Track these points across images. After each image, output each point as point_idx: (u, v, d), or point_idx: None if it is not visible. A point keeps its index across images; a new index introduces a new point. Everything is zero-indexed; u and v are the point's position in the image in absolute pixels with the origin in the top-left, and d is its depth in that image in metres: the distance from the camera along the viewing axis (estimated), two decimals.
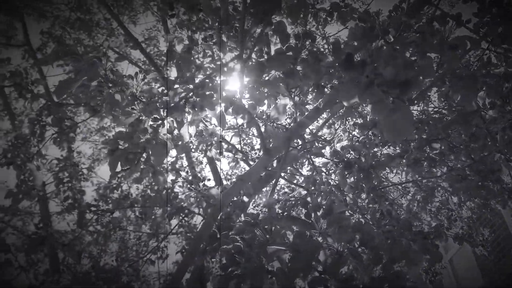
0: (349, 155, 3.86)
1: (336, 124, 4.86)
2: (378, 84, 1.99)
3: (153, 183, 6.57)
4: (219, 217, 4.42)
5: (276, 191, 6.40)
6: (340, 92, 2.16)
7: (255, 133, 6.54)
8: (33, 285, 6.01)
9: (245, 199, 7.54)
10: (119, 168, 3.08)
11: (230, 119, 6.50)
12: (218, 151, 6.08)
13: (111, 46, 7.80)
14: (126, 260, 5.32)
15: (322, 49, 5.05)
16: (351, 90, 2.10)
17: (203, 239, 5.13)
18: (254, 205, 8.13)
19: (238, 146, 5.67)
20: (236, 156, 7.98)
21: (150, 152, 3.05)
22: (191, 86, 3.11)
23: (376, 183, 3.85)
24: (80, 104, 5.22)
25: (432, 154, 4.52)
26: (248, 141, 6.35)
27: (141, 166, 3.24)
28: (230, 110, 2.88)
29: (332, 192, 3.92)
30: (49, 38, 9.21)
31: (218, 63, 3.50)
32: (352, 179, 3.83)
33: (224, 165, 8.27)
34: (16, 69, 5.00)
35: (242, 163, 7.92)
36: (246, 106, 2.91)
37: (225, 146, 6.97)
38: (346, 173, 3.86)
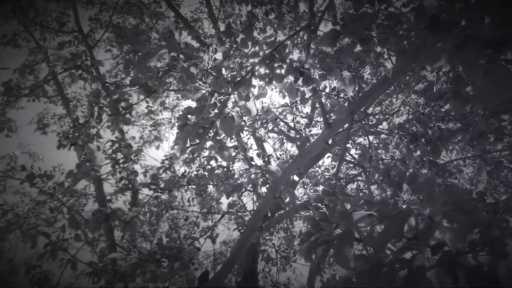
0: (414, 128, 3.75)
1: (395, 98, 4.73)
2: (470, 45, 1.91)
3: (205, 163, 6.67)
4: (277, 195, 4.44)
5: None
6: (423, 56, 2.08)
7: (308, 111, 6.48)
8: (94, 262, 6.27)
9: (296, 178, 7.54)
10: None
11: (274, 101, 6.45)
12: (268, 129, 6.07)
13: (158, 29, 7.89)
14: (184, 238, 5.42)
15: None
16: (437, 53, 2.02)
17: (261, 216, 5.18)
18: (301, 185, 8.12)
19: (291, 124, 5.63)
20: (282, 136, 7.96)
21: (218, 126, 3.08)
22: (256, 60, 3.09)
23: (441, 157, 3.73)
24: (136, 85, 5.32)
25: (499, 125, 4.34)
26: (300, 119, 6.30)
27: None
28: (300, 81, 2.85)
29: (396, 166, 3.83)
30: (97, 23, 9.44)
31: (280, 37, 3.46)
32: (418, 152, 3.74)
33: (267, 147, 8.22)
34: (77, 51, 5.13)
35: (285, 145, 7.90)
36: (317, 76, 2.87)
37: (270, 127, 6.95)
38: (411, 146, 3.77)
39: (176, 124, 10.56)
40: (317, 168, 8.62)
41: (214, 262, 8.54)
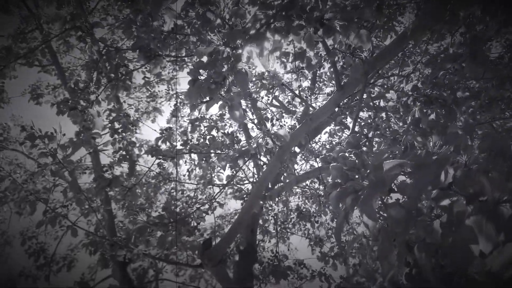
0: (429, 91, 3.65)
1: (409, 61, 4.62)
2: None
3: (205, 133, 6.54)
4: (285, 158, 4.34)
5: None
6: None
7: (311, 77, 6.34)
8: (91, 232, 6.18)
9: (297, 149, 7.44)
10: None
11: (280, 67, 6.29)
12: (274, 95, 5.94)
13: None
14: (188, 205, 5.33)
15: None
16: None
17: (266, 184, 5.09)
18: (302, 156, 8.04)
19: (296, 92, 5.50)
20: (281, 110, 7.84)
21: (231, 80, 2.95)
22: (271, 12, 2.95)
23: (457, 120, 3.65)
24: (137, 49, 5.13)
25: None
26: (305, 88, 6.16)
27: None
28: (320, 32, 2.71)
29: (408, 131, 3.74)
30: None
31: None
32: (432, 116, 3.64)
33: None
34: (77, 11, 4.92)
35: (284, 119, 7.78)
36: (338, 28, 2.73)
37: (276, 93, 6.80)
38: (425, 110, 3.67)
39: (174, 96, 10.33)
40: (314, 144, 8.52)
41: (213, 234, 8.50)
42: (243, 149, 4.47)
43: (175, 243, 4.06)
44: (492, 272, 1.90)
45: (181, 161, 8.65)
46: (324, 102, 4.34)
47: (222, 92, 3.04)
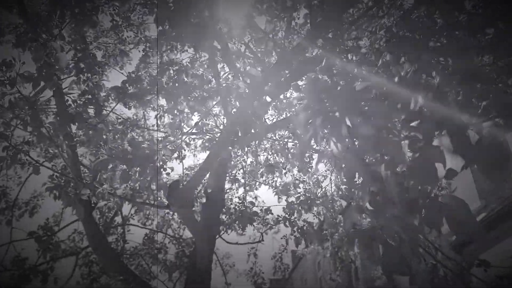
0: (401, 33, 3.61)
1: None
2: None
3: (175, 77, 6.36)
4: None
5: None
6: None
7: None
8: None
9: (268, 99, 7.39)
10: None
11: None
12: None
13: None
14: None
15: None
16: None
17: (234, 129, 5.04)
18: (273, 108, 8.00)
19: None
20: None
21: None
22: None
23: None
24: None
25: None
26: None
27: None
28: None
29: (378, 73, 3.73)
30: None
31: None
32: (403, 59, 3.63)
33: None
34: None
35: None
36: None
37: None
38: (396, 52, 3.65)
39: (142, 41, 9.95)
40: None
41: (181, 179, 8.48)
42: (212, 89, 4.38)
43: (139, 181, 4.00)
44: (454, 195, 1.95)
45: (148, 109, 8.49)
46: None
47: None
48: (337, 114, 1.83)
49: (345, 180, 1.80)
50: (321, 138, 1.91)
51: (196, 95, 4.85)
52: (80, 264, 8.17)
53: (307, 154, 8.74)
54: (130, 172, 4.00)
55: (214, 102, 4.65)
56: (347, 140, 1.82)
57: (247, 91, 4.36)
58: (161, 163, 4.27)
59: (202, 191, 6.14)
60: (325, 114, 1.86)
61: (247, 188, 7.34)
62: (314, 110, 1.88)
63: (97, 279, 8.00)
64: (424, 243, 6.13)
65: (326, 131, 1.99)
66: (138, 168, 3.96)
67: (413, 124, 1.75)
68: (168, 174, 4.50)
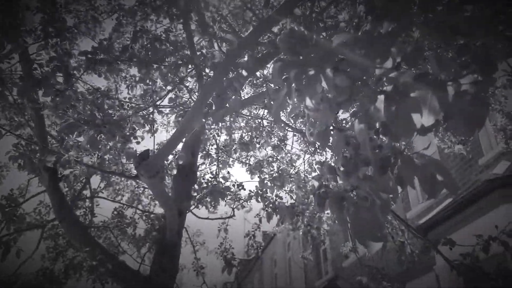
0: None
1: None
2: None
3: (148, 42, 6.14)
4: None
5: None
6: None
7: None
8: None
9: (244, 73, 7.26)
10: None
11: None
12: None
13: None
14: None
15: None
16: None
17: (207, 99, 4.92)
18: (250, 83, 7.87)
19: None
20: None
21: None
22: None
23: None
24: None
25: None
26: None
27: None
28: None
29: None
30: None
31: None
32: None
33: None
34: None
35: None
36: None
37: None
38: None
39: (117, 8, 9.59)
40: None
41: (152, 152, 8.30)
42: (187, 56, 4.22)
43: (108, 147, 3.85)
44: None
45: (120, 80, 8.23)
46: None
47: None
48: (311, 69, 1.75)
49: (317, 133, 1.73)
50: (295, 95, 1.82)
51: (170, 62, 4.68)
52: (46, 237, 7.96)
53: (281, 134, 8.70)
54: (98, 138, 3.84)
55: (188, 70, 4.49)
56: (320, 92, 1.74)
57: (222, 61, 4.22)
58: (131, 131, 4.12)
59: (174, 163, 6.01)
60: (300, 66, 1.77)
61: (220, 165, 7.24)
62: (288, 61, 1.79)
63: (64, 252, 7.81)
64: (394, 216, 6.19)
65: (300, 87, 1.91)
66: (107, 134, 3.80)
67: (391, 75, 1.69)
68: (138, 143, 4.35)
